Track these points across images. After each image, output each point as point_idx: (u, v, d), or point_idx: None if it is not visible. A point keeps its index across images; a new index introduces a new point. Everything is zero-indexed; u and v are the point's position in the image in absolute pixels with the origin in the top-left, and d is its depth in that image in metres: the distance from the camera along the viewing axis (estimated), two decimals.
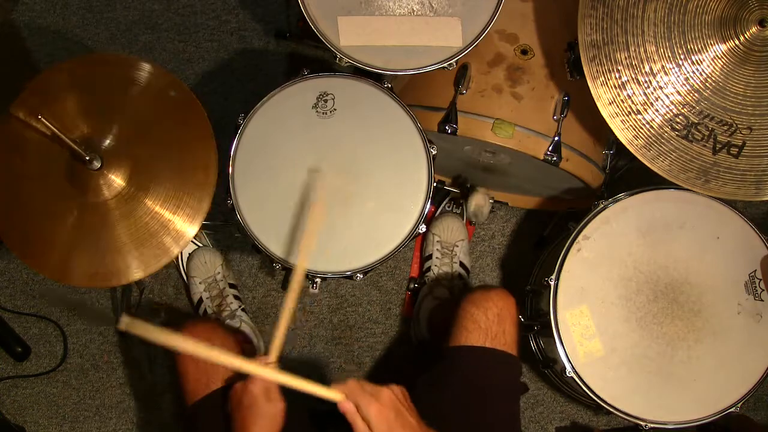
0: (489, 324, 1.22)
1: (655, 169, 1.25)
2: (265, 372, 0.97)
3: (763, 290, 1.33)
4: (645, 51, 1.20)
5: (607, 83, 1.22)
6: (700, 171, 1.24)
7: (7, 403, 1.73)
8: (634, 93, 1.22)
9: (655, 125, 1.23)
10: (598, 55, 1.21)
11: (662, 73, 1.20)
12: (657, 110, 1.22)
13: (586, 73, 1.22)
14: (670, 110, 1.22)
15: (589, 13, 1.21)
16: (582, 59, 1.22)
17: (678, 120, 1.21)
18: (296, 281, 1.05)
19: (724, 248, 1.35)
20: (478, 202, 1.64)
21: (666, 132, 1.22)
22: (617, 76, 1.21)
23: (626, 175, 1.61)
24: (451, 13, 1.29)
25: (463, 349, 1.22)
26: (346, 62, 1.29)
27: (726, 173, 1.24)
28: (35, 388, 1.74)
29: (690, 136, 1.21)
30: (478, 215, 1.66)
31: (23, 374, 1.74)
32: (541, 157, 1.35)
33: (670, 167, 1.24)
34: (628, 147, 1.24)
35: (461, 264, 1.72)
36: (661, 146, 1.23)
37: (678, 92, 1.21)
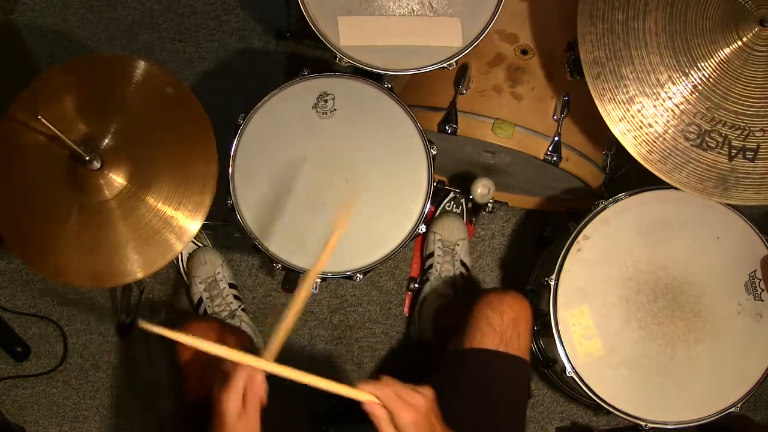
0: (504, 328, 1.21)
1: (673, 183, 1.24)
2: (285, 371, 0.86)
3: (763, 290, 1.33)
4: (650, 63, 1.19)
5: (614, 99, 1.21)
6: (719, 179, 1.23)
7: (7, 403, 1.73)
8: (643, 107, 1.21)
9: (668, 137, 1.21)
10: (603, 72, 1.20)
11: (669, 83, 1.20)
12: (668, 122, 1.21)
13: (592, 91, 1.21)
14: (682, 120, 1.21)
15: (589, 30, 1.20)
16: (587, 77, 1.21)
17: (691, 129, 1.20)
18: (305, 288, 0.95)
19: (724, 248, 1.35)
20: (481, 191, 1.61)
21: (680, 143, 1.21)
22: (624, 91, 1.20)
23: (626, 175, 1.61)
24: (451, 13, 1.29)
25: (477, 352, 1.21)
26: (346, 62, 1.29)
27: (744, 179, 1.23)
28: (35, 388, 1.74)
29: (704, 144, 1.20)
30: (484, 197, 1.62)
31: (23, 374, 1.74)
32: (541, 157, 1.35)
33: (687, 179, 1.23)
34: (643, 163, 1.22)
35: (462, 263, 1.72)
36: (676, 158, 1.22)
37: (688, 101, 1.20)
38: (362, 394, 0.85)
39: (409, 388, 0.88)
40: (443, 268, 1.69)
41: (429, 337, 1.67)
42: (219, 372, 0.89)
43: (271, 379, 0.94)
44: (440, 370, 1.25)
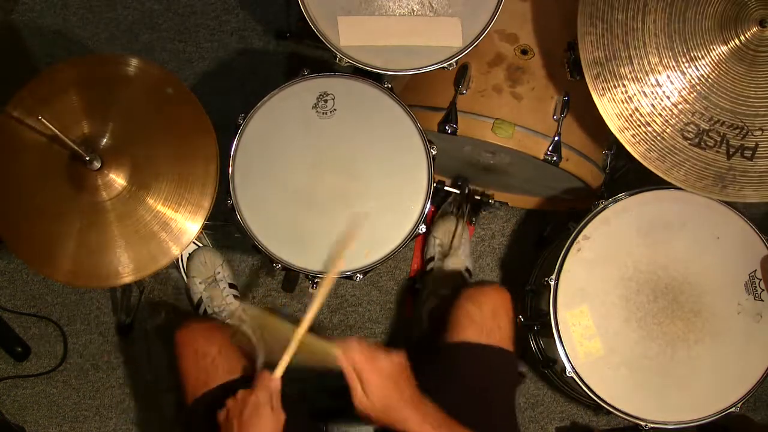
0: (483, 319, 1.23)
1: (672, 181, 1.24)
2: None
3: (763, 290, 1.33)
4: (649, 63, 1.20)
5: (614, 99, 1.22)
6: (717, 177, 1.24)
7: (7, 403, 1.73)
8: (641, 106, 1.21)
9: (666, 136, 1.22)
10: (602, 72, 1.21)
11: (668, 83, 1.20)
12: (667, 121, 1.21)
13: (591, 91, 1.22)
14: (680, 120, 1.21)
15: (589, 30, 1.21)
16: (586, 77, 1.22)
17: (689, 128, 1.21)
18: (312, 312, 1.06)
19: (724, 248, 1.35)
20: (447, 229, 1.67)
21: (678, 142, 1.22)
22: (623, 91, 1.21)
23: (626, 175, 1.61)
24: (451, 13, 1.29)
25: (458, 346, 1.23)
26: (346, 62, 1.29)
27: (742, 176, 1.23)
28: (35, 388, 1.74)
29: (702, 143, 1.21)
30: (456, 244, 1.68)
31: (23, 374, 1.74)
32: (541, 157, 1.35)
33: (686, 177, 1.24)
34: (642, 161, 1.24)
35: (464, 266, 1.71)
36: (674, 156, 1.23)
37: (686, 100, 1.20)
38: (333, 348, 0.98)
39: (377, 351, 0.98)
40: (442, 273, 1.69)
41: (427, 334, 1.67)
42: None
43: None
44: (426, 368, 1.25)
